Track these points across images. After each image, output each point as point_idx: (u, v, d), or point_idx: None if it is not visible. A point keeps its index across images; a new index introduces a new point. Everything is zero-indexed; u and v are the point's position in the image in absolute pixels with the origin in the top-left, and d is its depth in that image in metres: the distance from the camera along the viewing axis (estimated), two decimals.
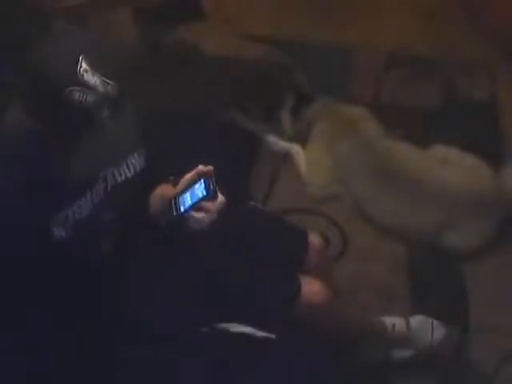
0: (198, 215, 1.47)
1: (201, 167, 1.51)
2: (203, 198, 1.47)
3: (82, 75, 1.26)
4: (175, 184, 1.53)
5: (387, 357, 2.08)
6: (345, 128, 2.58)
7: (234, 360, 1.69)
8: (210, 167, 1.50)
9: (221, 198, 1.49)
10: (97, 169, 1.38)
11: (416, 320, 2.10)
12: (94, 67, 1.28)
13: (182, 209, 1.48)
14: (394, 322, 2.06)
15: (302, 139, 2.69)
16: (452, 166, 2.46)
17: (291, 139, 2.73)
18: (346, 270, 2.32)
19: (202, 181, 1.49)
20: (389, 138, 2.55)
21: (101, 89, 1.25)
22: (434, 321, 2.11)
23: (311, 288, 1.79)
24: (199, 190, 1.48)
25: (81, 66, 1.27)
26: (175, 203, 1.50)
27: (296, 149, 2.70)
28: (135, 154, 1.46)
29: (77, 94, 1.23)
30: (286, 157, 2.71)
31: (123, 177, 1.44)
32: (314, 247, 1.92)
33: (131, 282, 1.60)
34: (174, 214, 1.48)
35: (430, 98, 2.91)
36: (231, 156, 2.51)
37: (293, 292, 1.75)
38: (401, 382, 2.11)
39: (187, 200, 1.48)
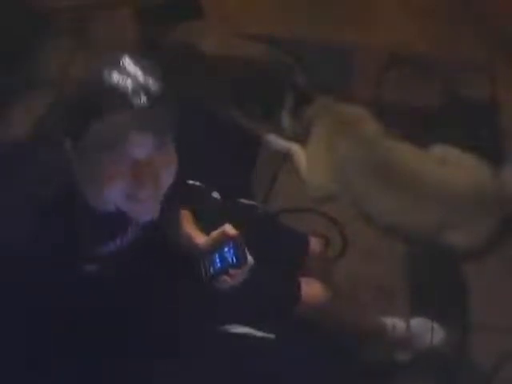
0: (227, 280, 1.51)
1: (227, 228, 1.54)
2: (233, 266, 1.51)
3: (124, 65, 1.26)
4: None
5: (387, 357, 2.08)
6: (345, 128, 2.58)
7: (234, 360, 1.69)
8: (237, 232, 1.53)
9: (250, 260, 1.52)
10: None
11: (416, 322, 2.11)
12: (138, 62, 1.28)
13: (212, 271, 1.52)
14: (394, 323, 2.07)
15: (302, 139, 2.69)
16: (452, 166, 2.46)
17: (291, 139, 2.73)
18: (345, 269, 2.32)
19: (232, 245, 1.52)
20: (389, 138, 2.55)
21: (141, 78, 1.25)
22: (435, 323, 2.11)
23: (311, 288, 1.79)
24: (228, 254, 1.52)
25: (125, 59, 1.28)
26: (203, 261, 1.54)
27: (296, 148, 2.70)
28: None
29: (116, 77, 1.23)
30: (286, 156, 2.71)
31: None
32: (315, 251, 1.92)
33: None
34: (204, 276, 1.53)
35: (429, 98, 2.91)
36: (231, 156, 2.51)
37: (293, 292, 1.75)
38: (401, 381, 2.11)
39: (216, 262, 1.53)
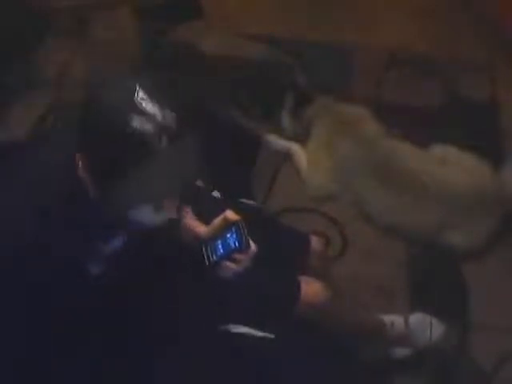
0: (231, 266, 1.50)
1: (229, 214, 1.54)
2: (235, 250, 1.50)
3: (140, 103, 1.26)
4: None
5: (387, 355, 2.08)
6: (345, 128, 2.58)
7: (234, 360, 1.69)
8: (238, 217, 1.53)
9: (253, 247, 1.51)
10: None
11: (415, 318, 2.11)
12: (152, 95, 1.28)
13: (215, 258, 1.52)
14: (392, 320, 2.07)
15: (302, 139, 2.70)
16: (452, 166, 2.46)
17: (291, 139, 2.73)
18: (345, 269, 2.32)
19: (234, 230, 1.52)
20: (389, 138, 2.55)
21: (159, 117, 1.25)
22: (433, 318, 2.11)
23: (311, 288, 1.79)
24: (231, 239, 1.52)
25: (138, 95, 1.27)
26: (206, 249, 1.53)
27: (296, 148, 2.70)
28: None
29: (136, 122, 1.23)
30: (286, 156, 2.71)
31: None
32: (315, 250, 1.92)
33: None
34: (207, 263, 1.52)
35: (429, 98, 2.91)
36: (231, 156, 2.51)
37: (293, 292, 1.75)
38: (400, 380, 2.11)
39: (219, 248, 1.53)
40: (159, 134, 1.24)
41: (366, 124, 2.59)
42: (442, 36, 3.13)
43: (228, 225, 1.54)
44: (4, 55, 2.76)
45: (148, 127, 1.24)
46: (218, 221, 1.57)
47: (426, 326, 2.10)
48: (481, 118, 2.84)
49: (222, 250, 1.52)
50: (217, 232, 1.55)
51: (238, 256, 1.51)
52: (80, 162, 1.34)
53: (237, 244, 1.51)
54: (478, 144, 2.57)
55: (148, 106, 1.26)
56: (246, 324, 1.69)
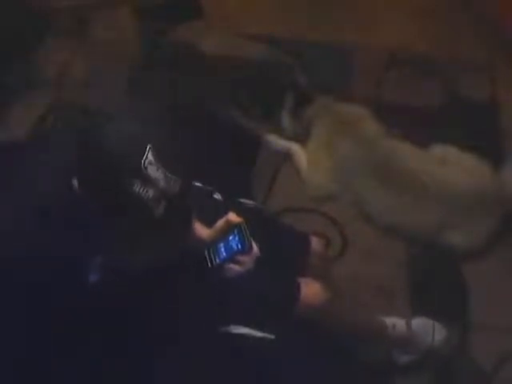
0: (234, 268, 1.52)
1: (231, 216, 1.54)
2: (238, 252, 1.51)
3: (146, 167, 1.27)
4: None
5: (388, 357, 2.08)
6: (345, 127, 2.58)
7: (234, 360, 1.69)
8: (241, 220, 1.54)
9: (255, 249, 1.52)
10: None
11: (417, 321, 2.10)
12: (160, 159, 1.28)
13: (218, 261, 1.52)
14: (394, 322, 2.06)
15: (302, 139, 2.69)
16: (452, 166, 2.46)
17: (291, 139, 2.73)
18: (345, 269, 2.32)
19: (236, 232, 1.53)
20: (389, 138, 2.55)
21: (162, 183, 1.26)
22: (436, 323, 2.11)
23: (311, 288, 1.79)
24: (233, 242, 1.52)
25: (146, 158, 1.27)
26: (209, 252, 1.53)
27: (296, 148, 2.70)
28: None
29: (138, 187, 1.24)
30: (286, 156, 2.71)
31: None
32: (315, 250, 1.92)
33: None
34: (209, 266, 1.53)
35: (430, 98, 2.91)
36: (231, 156, 2.51)
37: (293, 293, 1.75)
38: (401, 380, 2.11)
39: (222, 251, 1.53)
40: (159, 199, 1.25)
41: (365, 124, 2.59)
42: (442, 36, 3.13)
43: (230, 227, 1.55)
44: (4, 55, 2.76)
45: (149, 193, 1.25)
46: (220, 223, 1.58)
47: (428, 330, 2.10)
48: (481, 118, 2.84)
49: (224, 253, 1.53)
50: (219, 235, 1.56)
51: (240, 258, 1.52)
52: (76, 182, 1.33)
53: (239, 246, 1.52)
54: (478, 144, 2.57)
55: (153, 170, 1.27)
56: (246, 324, 1.69)
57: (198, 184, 1.86)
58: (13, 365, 1.49)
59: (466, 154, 2.51)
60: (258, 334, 1.70)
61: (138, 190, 1.25)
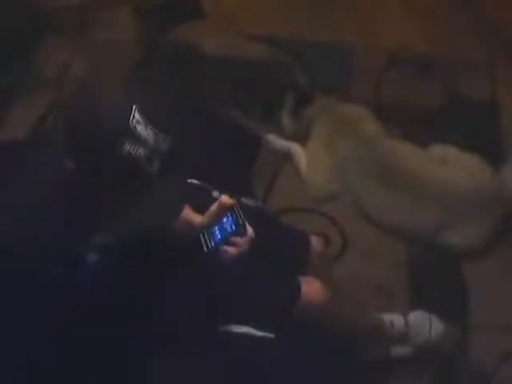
0: (229, 250, 1.50)
1: (224, 199, 1.54)
2: (232, 233, 1.51)
3: (135, 127, 1.27)
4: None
5: (386, 354, 2.08)
6: (345, 127, 2.58)
7: (234, 360, 1.69)
8: (234, 201, 1.53)
9: (250, 231, 1.51)
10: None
11: (414, 315, 2.10)
12: (147, 118, 1.29)
13: (213, 244, 1.52)
14: (392, 319, 2.06)
15: (302, 139, 2.70)
16: (452, 166, 2.46)
17: (291, 139, 2.73)
18: (346, 269, 2.32)
19: (229, 214, 1.53)
20: (389, 138, 2.55)
21: (152, 141, 1.26)
22: (432, 316, 2.11)
23: (311, 288, 1.79)
24: (227, 224, 1.53)
25: (133, 117, 1.28)
26: (203, 237, 1.53)
27: (296, 148, 2.70)
28: None
29: (128, 146, 1.24)
30: (286, 156, 2.71)
31: None
32: (316, 250, 1.92)
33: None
34: (205, 250, 1.52)
35: (430, 98, 2.91)
36: (231, 156, 2.51)
37: (293, 292, 1.75)
38: (400, 379, 2.11)
39: (216, 234, 1.53)
40: (150, 157, 1.25)
41: (366, 124, 2.59)
42: (442, 36, 3.13)
43: (224, 210, 1.55)
44: (4, 55, 2.76)
45: (139, 151, 1.25)
46: (213, 208, 1.57)
47: (425, 324, 2.09)
48: (481, 118, 2.84)
49: (219, 235, 1.53)
50: (213, 219, 1.56)
51: (235, 239, 1.52)
52: (69, 166, 1.34)
53: (233, 227, 1.52)
54: (478, 144, 2.57)
55: (142, 129, 1.27)
56: (246, 324, 1.69)
57: (196, 182, 1.86)
58: (12, 363, 1.49)
59: (465, 154, 2.51)
60: (258, 333, 1.70)
61: (128, 149, 1.25)
